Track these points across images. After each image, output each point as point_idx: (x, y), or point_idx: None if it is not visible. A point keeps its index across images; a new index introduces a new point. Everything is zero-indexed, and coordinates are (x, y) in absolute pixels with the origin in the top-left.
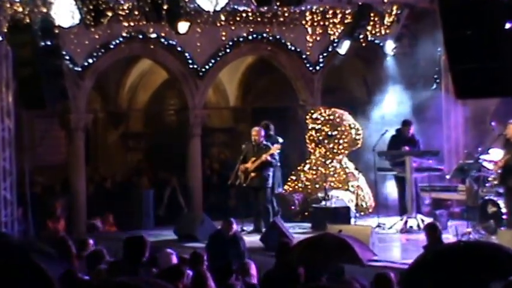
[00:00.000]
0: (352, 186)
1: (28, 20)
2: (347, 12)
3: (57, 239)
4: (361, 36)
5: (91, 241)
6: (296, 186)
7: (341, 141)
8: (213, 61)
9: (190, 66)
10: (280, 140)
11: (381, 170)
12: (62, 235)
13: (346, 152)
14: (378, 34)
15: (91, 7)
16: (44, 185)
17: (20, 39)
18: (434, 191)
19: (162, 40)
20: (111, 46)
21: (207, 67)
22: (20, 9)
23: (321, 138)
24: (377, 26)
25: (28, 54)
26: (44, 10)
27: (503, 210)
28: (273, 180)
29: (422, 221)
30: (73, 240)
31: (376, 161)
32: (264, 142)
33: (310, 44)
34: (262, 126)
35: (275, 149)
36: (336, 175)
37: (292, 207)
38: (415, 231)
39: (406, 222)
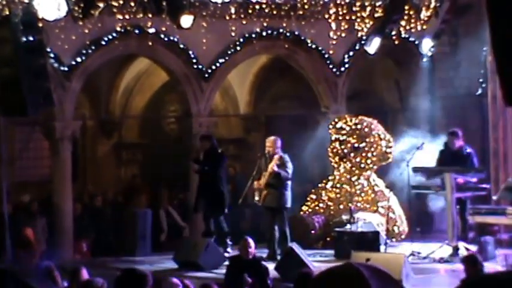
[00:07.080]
0: (382, 207)
1: (7, 12)
2: (377, 4)
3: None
4: (393, 33)
5: (84, 270)
6: (316, 207)
7: (369, 154)
8: (220, 61)
9: (195, 66)
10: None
11: (416, 188)
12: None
13: (375, 167)
14: (413, 30)
15: None
16: (17, 204)
17: None
18: (478, 215)
19: (162, 36)
20: (103, 42)
21: (213, 67)
22: None
23: (346, 151)
24: (412, 21)
25: (7, 52)
26: (26, 0)
27: None
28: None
29: (467, 249)
30: (60, 270)
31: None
32: (281, 154)
33: (334, 42)
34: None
35: (276, 160)
36: (363, 194)
37: (312, 232)
38: (456, 261)
39: (455, 249)
